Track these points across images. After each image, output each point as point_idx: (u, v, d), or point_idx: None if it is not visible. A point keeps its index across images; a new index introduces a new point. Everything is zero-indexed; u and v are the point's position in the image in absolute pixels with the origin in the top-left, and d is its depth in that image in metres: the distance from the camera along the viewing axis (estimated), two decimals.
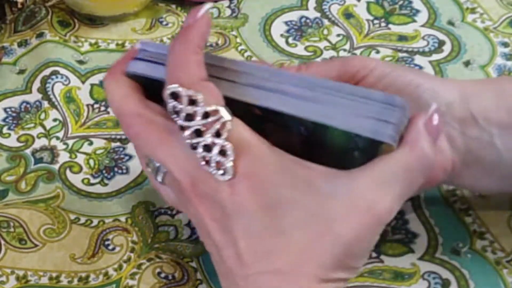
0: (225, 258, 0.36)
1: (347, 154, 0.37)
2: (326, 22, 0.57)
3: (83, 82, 0.54)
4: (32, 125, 0.52)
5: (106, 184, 0.49)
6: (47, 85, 0.54)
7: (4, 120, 0.52)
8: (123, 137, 0.51)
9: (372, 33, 0.56)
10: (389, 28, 0.57)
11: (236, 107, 0.36)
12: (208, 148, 0.35)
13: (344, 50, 0.55)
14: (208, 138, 0.35)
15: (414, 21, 0.57)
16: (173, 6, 0.59)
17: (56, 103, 0.53)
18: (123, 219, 0.47)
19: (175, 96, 0.36)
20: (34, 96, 0.54)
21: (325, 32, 0.57)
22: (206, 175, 0.36)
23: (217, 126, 0.35)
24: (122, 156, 0.50)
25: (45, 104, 0.53)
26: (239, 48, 0.56)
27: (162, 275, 0.44)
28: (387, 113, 0.36)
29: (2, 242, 0.46)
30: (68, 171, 0.49)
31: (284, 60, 0.55)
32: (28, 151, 0.51)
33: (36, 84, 0.54)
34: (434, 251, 0.44)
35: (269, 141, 0.37)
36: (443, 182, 0.42)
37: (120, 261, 0.45)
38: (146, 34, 0.57)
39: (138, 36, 0.57)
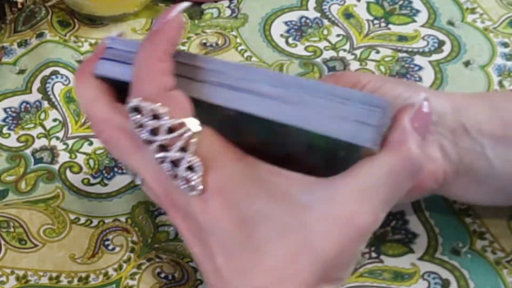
0: (205, 272, 0.35)
1: (332, 155, 0.35)
2: (326, 22, 0.57)
3: None
4: (32, 125, 0.52)
5: (106, 184, 0.49)
6: (47, 85, 0.54)
7: (4, 120, 0.52)
8: None
9: (372, 33, 0.56)
10: (389, 28, 0.57)
11: (210, 109, 0.35)
12: (175, 163, 0.34)
13: (344, 50, 0.55)
14: (174, 153, 0.34)
15: (414, 21, 0.57)
16: None
17: (56, 103, 0.53)
18: (123, 219, 0.47)
19: (137, 110, 0.34)
20: (34, 96, 0.54)
21: (325, 32, 0.57)
22: (178, 188, 0.34)
23: (184, 140, 0.33)
24: None
25: (45, 104, 0.53)
26: (239, 48, 0.56)
27: (162, 275, 0.44)
28: (367, 115, 0.33)
29: (2, 242, 0.46)
30: (68, 171, 0.49)
31: (284, 60, 0.55)
32: (28, 151, 0.51)
33: (36, 84, 0.54)
34: (434, 251, 0.44)
35: (243, 143, 0.35)
36: (434, 191, 0.42)
37: (120, 261, 0.45)
38: (146, 34, 0.57)
39: (138, 36, 0.57)
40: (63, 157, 0.50)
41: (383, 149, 0.34)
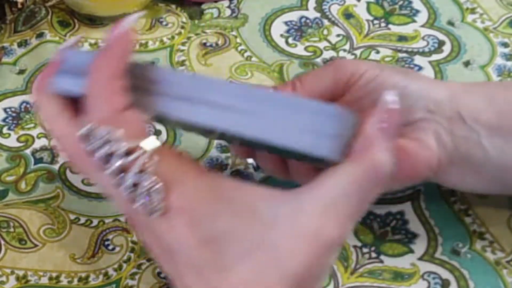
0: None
1: (305, 157, 0.35)
2: (326, 22, 0.57)
3: None
4: (32, 125, 0.52)
5: None
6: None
7: (4, 120, 0.52)
8: None
9: (372, 33, 0.56)
10: (389, 28, 0.57)
11: (169, 120, 0.35)
12: (133, 187, 0.33)
13: (344, 50, 0.55)
14: (132, 177, 0.33)
15: (414, 21, 0.57)
16: (173, 6, 0.59)
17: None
18: (123, 219, 0.47)
19: (90, 136, 0.34)
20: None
21: (325, 32, 0.57)
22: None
23: (140, 163, 0.33)
24: None
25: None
26: (239, 48, 0.56)
27: (162, 275, 0.44)
28: (323, 124, 0.33)
29: (2, 242, 0.46)
30: (68, 171, 0.49)
31: (284, 61, 0.55)
32: (28, 151, 0.51)
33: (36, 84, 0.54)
34: (434, 251, 0.44)
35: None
36: (428, 179, 0.42)
37: (120, 261, 0.45)
38: (146, 34, 0.57)
39: (138, 36, 0.57)
40: (63, 157, 0.50)
41: (348, 158, 0.33)
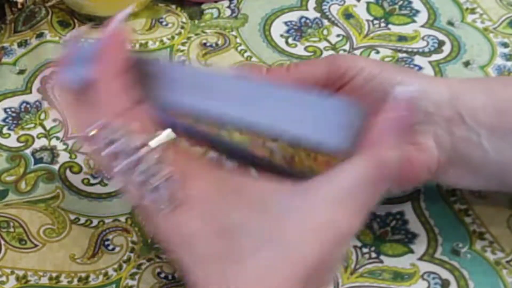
0: (188, 283, 0.34)
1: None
2: (326, 22, 0.57)
3: None
4: (32, 125, 0.52)
5: (106, 184, 0.49)
6: (47, 85, 0.54)
7: (4, 120, 0.52)
8: None
9: (372, 34, 0.56)
10: (389, 29, 0.57)
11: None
12: (143, 183, 0.33)
13: (344, 50, 0.55)
14: (146, 170, 0.33)
15: (414, 21, 0.57)
16: (173, 6, 0.59)
17: (56, 103, 0.53)
18: (123, 219, 0.47)
19: (100, 135, 0.34)
20: (34, 96, 0.54)
21: (325, 32, 0.57)
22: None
23: (156, 154, 0.33)
24: None
25: (45, 104, 0.53)
26: (239, 48, 0.56)
27: (162, 275, 0.44)
28: (333, 116, 0.34)
29: (2, 242, 0.46)
30: (68, 171, 0.49)
31: (284, 61, 0.55)
32: (28, 151, 0.51)
33: (36, 84, 0.54)
34: (433, 251, 0.44)
35: (228, 150, 0.35)
36: (427, 180, 0.42)
37: (120, 261, 0.45)
38: (146, 34, 0.57)
39: (138, 36, 0.57)
40: (63, 157, 0.50)
41: (357, 153, 0.34)
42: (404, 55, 0.54)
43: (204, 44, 0.56)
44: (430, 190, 0.47)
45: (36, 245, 0.46)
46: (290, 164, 0.40)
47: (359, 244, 0.45)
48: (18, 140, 0.51)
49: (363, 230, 0.45)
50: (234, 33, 0.57)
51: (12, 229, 0.46)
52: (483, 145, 0.40)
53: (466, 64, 0.54)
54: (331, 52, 0.55)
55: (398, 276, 0.43)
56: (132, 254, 0.45)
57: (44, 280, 0.44)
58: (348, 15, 0.58)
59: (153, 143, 0.33)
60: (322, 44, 0.56)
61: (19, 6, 0.59)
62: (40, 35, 0.57)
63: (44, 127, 0.52)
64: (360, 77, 0.41)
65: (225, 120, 0.35)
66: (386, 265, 0.44)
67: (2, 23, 0.58)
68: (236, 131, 0.39)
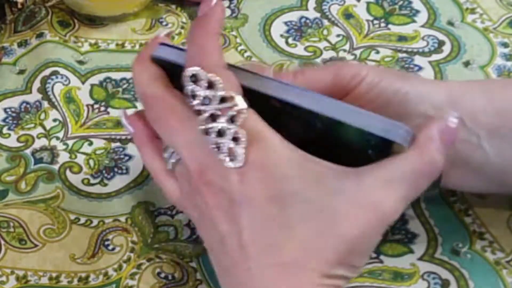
0: (229, 249, 0.36)
1: (361, 152, 0.37)
2: (326, 22, 0.57)
3: (83, 83, 0.54)
4: (32, 125, 0.52)
5: (106, 184, 0.49)
6: (47, 85, 0.54)
7: (4, 120, 0.52)
8: (123, 137, 0.51)
9: (372, 34, 0.56)
10: (389, 29, 0.57)
11: (253, 97, 0.37)
12: (221, 133, 0.36)
13: (344, 50, 0.55)
14: (222, 124, 0.36)
15: (414, 21, 0.57)
16: (173, 6, 0.59)
17: (56, 103, 0.53)
18: (123, 219, 0.47)
19: (194, 78, 0.37)
20: (34, 96, 0.54)
21: (325, 32, 0.57)
22: (216, 163, 0.36)
23: (232, 112, 0.36)
24: (122, 156, 0.50)
25: (45, 104, 0.53)
26: (239, 48, 0.56)
27: (162, 275, 0.44)
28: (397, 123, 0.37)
29: (2, 242, 0.46)
30: (68, 171, 0.49)
31: (284, 61, 0.55)
32: (28, 151, 0.51)
33: (36, 84, 0.54)
34: (433, 251, 0.44)
35: (283, 134, 0.37)
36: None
37: (120, 261, 0.45)
38: (146, 34, 0.57)
39: (138, 36, 0.57)
40: (63, 157, 0.50)
41: (410, 149, 0.36)
42: (404, 55, 0.55)
43: None
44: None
45: (36, 245, 0.46)
46: None
47: None
48: (18, 140, 0.51)
49: None
50: (234, 33, 0.57)
51: (12, 229, 0.46)
52: (483, 147, 0.40)
53: (466, 64, 0.54)
54: (331, 52, 0.55)
55: (398, 276, 0.43)
56: (132, 254, 0.45)
57: (44, 280, 0.44)
58: (348, 15, 0.58)
59: (235, 100, 0.36)
60: (322, 44, 0.56)
61: (19, 6, 0.59)
62: (40, 35, 0.57)
63: (44, 127, 0.52)
64: (362, 86, 0.41)
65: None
66: (386, 265, 0.44)
67: (2, 23, 0.58)
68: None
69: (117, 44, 0.57)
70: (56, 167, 0.50)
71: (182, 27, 0.57)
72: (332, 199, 0.35)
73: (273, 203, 0.35)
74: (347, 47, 0.55)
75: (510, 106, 0.41)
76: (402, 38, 0.56)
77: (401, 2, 0.58)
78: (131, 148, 0.50)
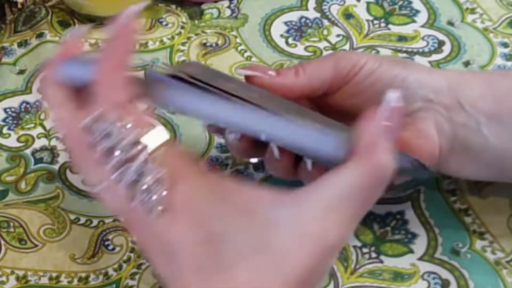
0: (173, 278, 0.33)
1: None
2: (326, 22, 0.57)
3: None
4: (32, 125, 0.52)
5: None
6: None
7: (4, 120, 0.52)
8: None
9: (372, 34, 0.56)
10: (389, 29, 0.57)
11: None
12: (134, 182, 0.33)
13: (344, 50, 0.55)
14: (137, 167, 0.33)
15: (414, 21, 0.57)
16: (173, 6, 0.59)
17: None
18: (123, 219, 0.47)
19: (99, 124, 0.33)
20: (34, 96, 0.54)
21: (325, 32, 0.57)
22: (138, 206, 0.33)
23: (146, 153, 0.33)
24: None
25: (45, 104, 0.53)
26: (239, 48, 0.56)
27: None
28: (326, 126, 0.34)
29: (2, 242, 0.46)
30: (68, 171, 0.49)
31: (284, 61, 0.55)
32: (28, 151, 0.51)
33: (36, 84, 0.54)
34: (433, 251, 0.44)
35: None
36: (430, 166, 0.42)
37: (120, 261, 0.45)
38: (146, 34, 0.57)
39: (138, 36, 0.57)
40: (63, 157, 0.50)
41: (351, 160, 0.33)
42: (404, 55, 0.54)
43: (204, 44, 0.56)
44: (430, 190, 0.47)
45: (36, 245, 0.46)
46: None
47: (359, 244, 0.45)
48: (18, 140, 0.51)
49: (363, 230, 0.45)
50: (234, 33, 0.57)
51: (12, 229, 0.46)
52: (482, 132, 0.40)
53: (466, 64, 0.54)
54: (331, 52, 0.55)
55: (398, 276, 0.43)
56: (132, 254, 0.45)
57: (44, 280, 0.44)
58: (348, 15, 0.58)
59: (147, 141, 0.33)
60: (322, 44, 0.56)
61: (19, 6, 0.59)
62: (40, 35, 0.57)
63: (44, 127, 0.52)
64: (361, 73, 0.41)
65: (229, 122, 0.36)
66: (386, 265, 0.44)
67: (2, 23, 0.58)
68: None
69: None
70: (56, 167, 0.50)
71: (182, 27, 0.57)
72: (268, 232, 0.32)
73: (206, 246, 0.32)
74: (347, 47, 0.55)
75: (508, 92, 0.41)
76: (402, 38, 0.56)
77: (401, 2, 0.58)
78: None
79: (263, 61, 0.55)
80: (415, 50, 0.55)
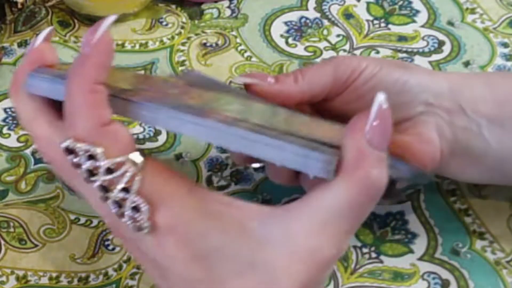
0: None
1: None
2: (326, 22, 0.57)
3: None
4: None
5: None
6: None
7: (4, 120, 0.52)
8: None
9: (372, 34, 0.56)
10: (389, 29, 0.57)
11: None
12: (119, 203, 0.32)
13: (344, 50, 0.55)
14: (116, 194, 0.32)
15: (414, 21, 0.57)
16: (173, 6, 0.59)
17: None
18: None
19: (71, 151, 0.32)
20: None
21: (325, 32, 0.57)
22: (127, 227, 0.32)
23: (124, 180, 0.31)
24: None
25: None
26: (239, 48, 0.56)
27: None
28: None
29: (2, 242, 0.46)
30: None
31: (284, 61, 0.55)
32: (28, 151, 0.51)
33: None
34: (433, 251, 0.44)
35: None
36: (431, 171, 0.42)
37: (120, 261, 0.45)
38: (146, 34, 0.57)
39: (138, 37, 0.57)
40: None
41: (340, 174, 0.31)
42: (404, 55, 0.55)
43: (204, 44, 0.56)
44: (430, 190, 0.47)
45: (36, 245, 0.46)
46: None
47: (359, 244, 0.45)
48: (18, 140, 0.51)
49: (363, 230, 0.45)
50: (234, 33, 0.57)
51: (12, 229, 0.46)
52: (483, 135, 0.40)
53: (466, 64, 0.54)
54: (331, 52, 0.55)
55: (398, 276, 0.43)
56: None
57: (44, 280, 0.44)
58: (348, 15, 0.58)
59: (121, 170, 0.32)
60: (322, 44, 0.56)
61: (19, 6, 0.59)
62: None
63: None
64: (361, 78, 0.41)
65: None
66: (386, 265, 0.44)
67: (2, 23, 0.58)
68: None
69: (117, 44, 0.57)
70: None
71: (182, 27, 0.57)
72: (261, 250, 0.31)
73: (197, 263, 0.31)
74: (347, 47, 0.55)
75: (510, 96, 0.41)
76: (402, 38, 0.56)
77: (401, 2, 0.58)
78: None
79: (263, 61, 0.55)
80: (415, 50, 0.55)
